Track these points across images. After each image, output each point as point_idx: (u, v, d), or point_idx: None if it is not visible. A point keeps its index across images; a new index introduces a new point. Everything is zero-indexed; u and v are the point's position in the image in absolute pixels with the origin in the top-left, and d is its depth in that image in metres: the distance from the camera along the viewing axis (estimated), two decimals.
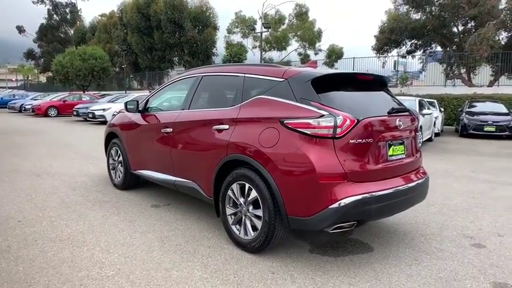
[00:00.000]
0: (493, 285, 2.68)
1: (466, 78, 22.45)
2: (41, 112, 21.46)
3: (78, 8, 48.96)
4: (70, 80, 29.93)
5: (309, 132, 2.76)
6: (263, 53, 34.63)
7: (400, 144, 3.18)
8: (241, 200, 3.20)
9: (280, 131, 2.90)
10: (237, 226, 3.31)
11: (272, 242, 3.03)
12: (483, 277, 2.80)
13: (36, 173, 6.16)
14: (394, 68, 37.01)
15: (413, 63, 26.21)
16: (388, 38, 23.94)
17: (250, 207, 3.14)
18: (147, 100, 4.74)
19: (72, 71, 28.92)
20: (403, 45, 24.71)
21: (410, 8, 23.91)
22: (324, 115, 2.75)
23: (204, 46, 35.36)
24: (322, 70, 3.30)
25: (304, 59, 33.50)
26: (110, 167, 5.46)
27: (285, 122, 2.88)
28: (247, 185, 3.12)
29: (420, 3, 22.88)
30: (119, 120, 5.22)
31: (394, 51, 25.47)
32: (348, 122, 2.77)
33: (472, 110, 13.92)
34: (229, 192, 3.31)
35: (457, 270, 2.91)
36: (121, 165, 5.16)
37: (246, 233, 3.19)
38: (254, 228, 3.13)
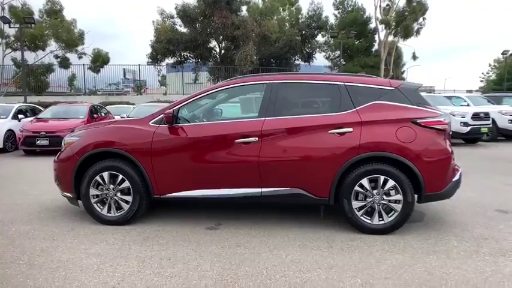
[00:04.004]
0: None
1: None
2: None
3: None
4: None
5: (441, 128, 3.74)
6: (6, 51, 28.24)
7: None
8: (375, 191, 3.72)
9: (415, 129, 3.69)
10: (366, 216, 3.78)
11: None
12: None
13: None
14: (124, 76, 38.46)
15: (149, 72, 29.08)
16: (166, 48, 25.14)
17: (384, 196, 3.73)
18: (178, 111, 4.05)
19: None
20: (179, 55, 26.50)
21: (182, 22, 26.06)
22: (442, 114, 3.79)
23: None
24: (412, 82, 4.23)
25: (63, 63, 29.69)
26: (92, 200, 4.11)
27: (418, 121, 3.70)
28: (381, 177, 3.69)
29: (189, 19, 25.36)
30: (124, 136, 4.02)
31: (171, 60, 26.92)
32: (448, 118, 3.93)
33: None
34: (357, 188, 3.73)
35: None
36: (121, 193, 4.07)
37: (380, 219, 3.74)
38: (388, 212, 3.74)
